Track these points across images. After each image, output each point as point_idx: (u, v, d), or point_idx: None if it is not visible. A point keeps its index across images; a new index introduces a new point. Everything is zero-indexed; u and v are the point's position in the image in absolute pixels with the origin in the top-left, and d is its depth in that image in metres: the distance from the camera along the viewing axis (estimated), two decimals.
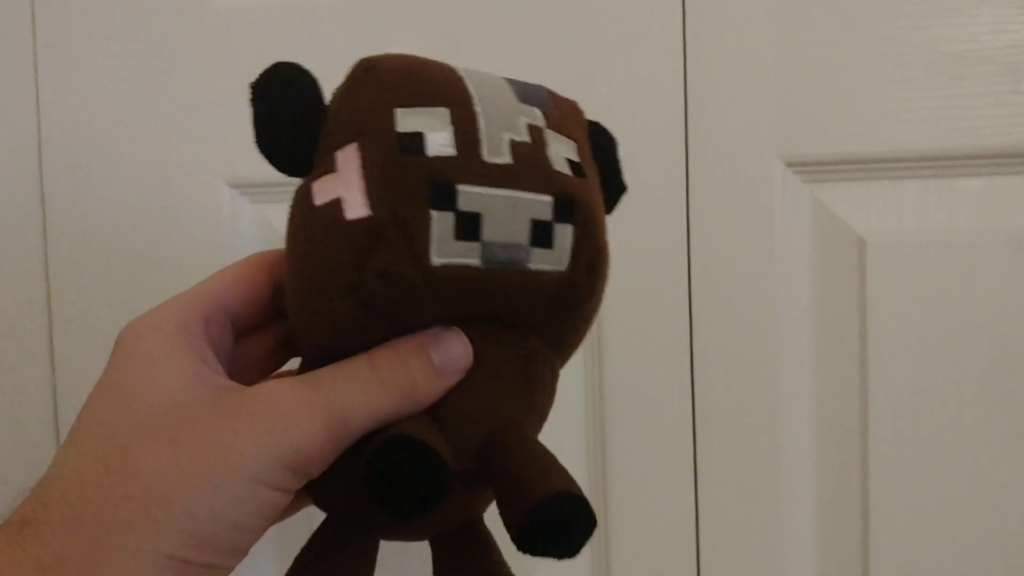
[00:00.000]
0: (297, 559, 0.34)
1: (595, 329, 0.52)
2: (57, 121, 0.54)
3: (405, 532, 0.35)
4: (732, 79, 0.51)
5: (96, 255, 0.54)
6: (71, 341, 0.54)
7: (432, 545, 0.36)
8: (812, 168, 0.51)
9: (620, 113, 0.51)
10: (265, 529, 0.29)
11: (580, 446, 0.53)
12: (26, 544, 0.26)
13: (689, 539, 0.52)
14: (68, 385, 0.55)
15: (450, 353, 0.30)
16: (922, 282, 0.51)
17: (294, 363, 0.36)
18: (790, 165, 0.51)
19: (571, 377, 0.53)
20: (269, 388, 0.29)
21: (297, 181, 0.31)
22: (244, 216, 0.54)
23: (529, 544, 0.27)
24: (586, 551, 0.32)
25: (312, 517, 0.35)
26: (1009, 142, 0.49)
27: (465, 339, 0.31)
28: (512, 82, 0.32)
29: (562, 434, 0.52)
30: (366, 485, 0.27)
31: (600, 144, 0.34)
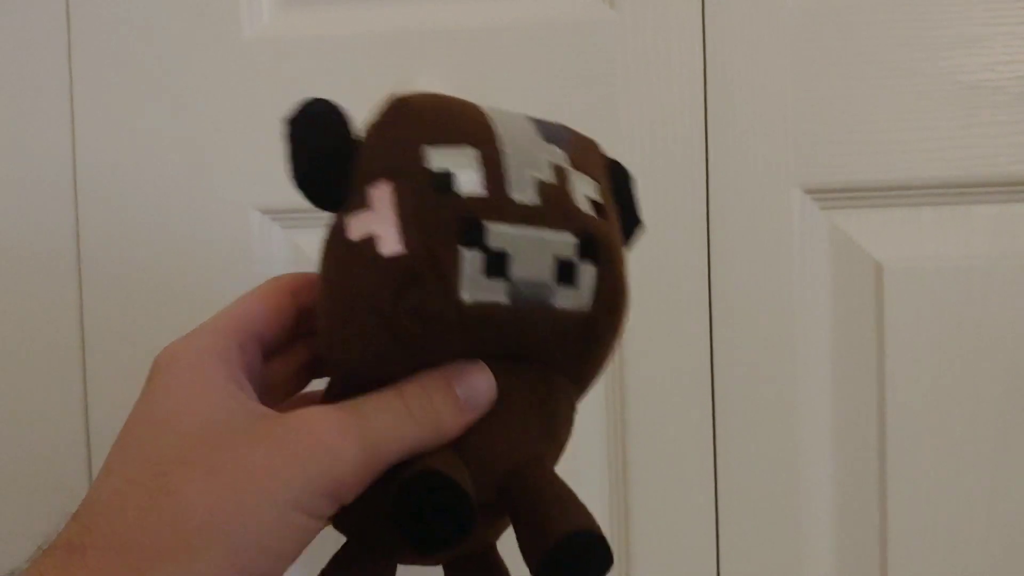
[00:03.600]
0: None
1: (616, 353, 0.53)
2: (92, 149, 0.55)
3: (423, 558, 0.35)
4: (751, 109, 0.52)
5: (129, 280, 0.55)
6: (103, 366, 0.55)
7: (445, 570, 0.36)
8: (830, 195, 0.52)
9: (641, 143, 0.52)
10: (297, 556, 0.29)
11: (602, 468, 0.53)
12: (73, 570, 0.26)
13: (709, 554, 0.53)
14: (100, 411, 0.55)
15: (474, 388, 0.31)
16: (938, 306, 0.52)
17: (315, 383, 0.37)
18: (808, 192, 0.52)
19: (593, 404, 0.53)
20: (306, 415, 0.29)
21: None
22: (274, 241, 0.55)
23: None
24: None
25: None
26: (1023, 170, 0.50)
27: (489, 374, 0.31)
28: (535, 121, 0.33)
29: (583, 456, 0.53)
30: (393, 519, 0.27)
31: (618, 181, 0.35)
